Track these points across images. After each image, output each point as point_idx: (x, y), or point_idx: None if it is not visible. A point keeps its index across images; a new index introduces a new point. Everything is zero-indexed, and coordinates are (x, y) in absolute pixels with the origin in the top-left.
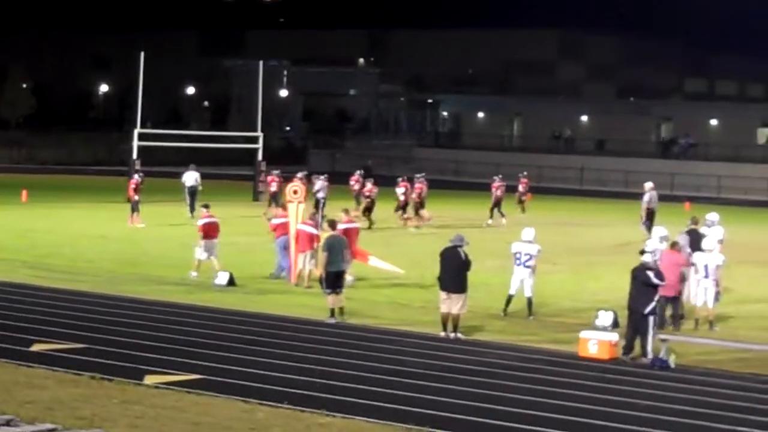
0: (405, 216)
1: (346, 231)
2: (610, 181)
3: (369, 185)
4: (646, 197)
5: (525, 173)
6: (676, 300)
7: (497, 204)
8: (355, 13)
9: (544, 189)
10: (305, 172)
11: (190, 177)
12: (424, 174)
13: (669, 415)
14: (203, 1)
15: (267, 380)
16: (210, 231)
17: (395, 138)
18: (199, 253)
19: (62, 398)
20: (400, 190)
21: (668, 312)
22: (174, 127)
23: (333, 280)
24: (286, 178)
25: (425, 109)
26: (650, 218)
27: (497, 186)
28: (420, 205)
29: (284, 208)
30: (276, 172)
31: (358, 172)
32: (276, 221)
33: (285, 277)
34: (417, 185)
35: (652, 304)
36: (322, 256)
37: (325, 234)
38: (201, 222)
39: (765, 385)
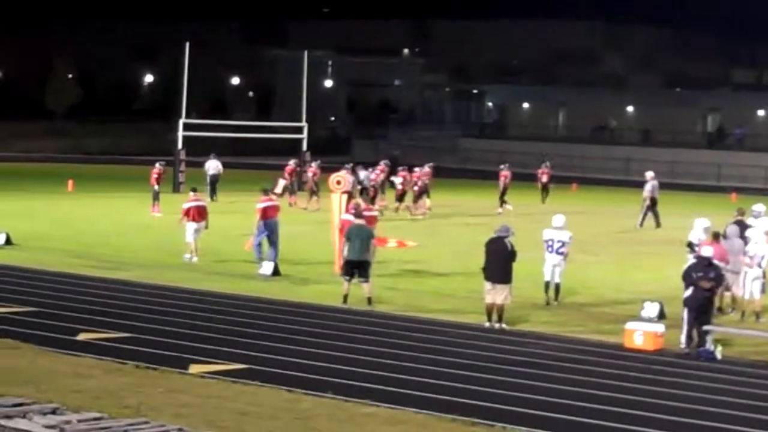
0: (403, 205)
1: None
2: (656, 172)
3: (402, 173)
4: (648, 186)
5: (548, 163)
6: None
7: (504, 192)
8: (399, 3)
9: (588, 179)
10: (350, 165)
11: (212, 165)
12: (432, 163)
13: (714, 407)
14: None
15: (311, 370)
16: (195, 214)
17: (440, 128)
18: (188, 236)
19: (108, 387)
20: (398, 180)
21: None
22: (218, 118)
23: (349, 269)
24: (327, 169)
25: (470, 99)
26: (653, 206)
27: (505, 174)
28: (419, 194)
29: (266, 192)
30: (315, 162)
31: (383, 161)
32: (261, 205)
33: (258, 259)
34: (416, 173)
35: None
36: (343, 244)
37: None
38: (187, 205)
39: None
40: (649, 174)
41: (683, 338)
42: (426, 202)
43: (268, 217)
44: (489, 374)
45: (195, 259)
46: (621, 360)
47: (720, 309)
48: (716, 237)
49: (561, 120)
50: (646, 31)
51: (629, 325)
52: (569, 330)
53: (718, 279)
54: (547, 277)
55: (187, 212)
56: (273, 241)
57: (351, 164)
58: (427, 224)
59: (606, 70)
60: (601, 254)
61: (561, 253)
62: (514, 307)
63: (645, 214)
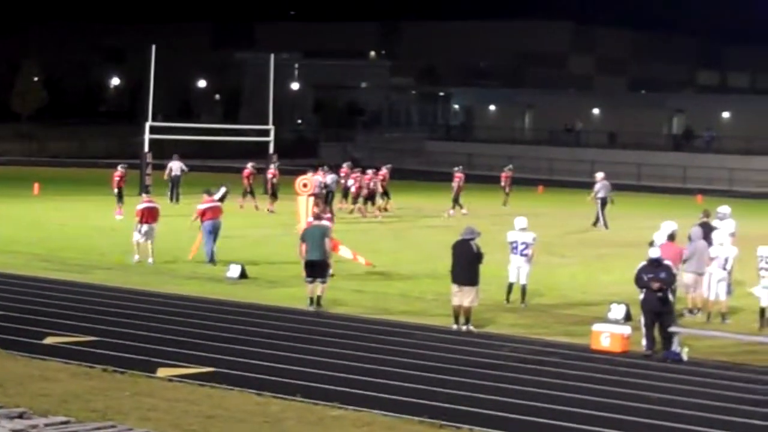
0: (356, 207)
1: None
2: (622, 174)
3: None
4: (596, 186)
5: (510, 166)
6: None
7: (458, 194)
8: (366, 5)
9: (555, 182)
10: (322, 167)
11: (175, 166)
12: (389, 165)
13: (681, 408)
14: None
15: (279, 373)
16: (148, 216)
17: (406, 131)
18: (137, 237)
19: (75, 391)
20: (350, 182)
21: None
22: (185, 120)
23: (309, 269)
24: (291, 171)
25: (437, 101)
26: (602, 208)
27: (459, 176)
28: (368, 197)
29: (209, 193)
30: (274, 164)
31: (345, 164)
32: (202, 206)
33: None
34: (367, 176)
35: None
36: (300, 246)
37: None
38: (140, 206)
39: None
40: (599, 175)
41: (644, 341)
42: (379, 203)
43: (207, 218)
44: (456, 377)
45: (150, 260)
46: (588, 362)
47: (690, 310)
48: (671, 238)
49: (527, 122)
50: (612, 33)
51: (596, 327)
52: (536, 332)
53: (669, 279)
54: (512, 279)
55: (140, 213)
56: (212, 241)
57: (320, 166)
58: (393, 227)
59: (572, 73)
60: (567, 256)
61: (525, 255)
62: (481, 309)
63: (599, 214)
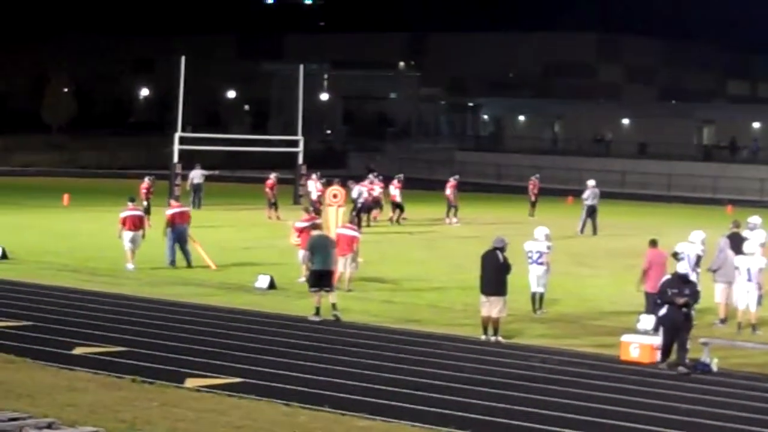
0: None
1: (303, 230)
2: (652, 185)
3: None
4: (585, 193)
5: (537, 175)
6: None
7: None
8: (395, 16)
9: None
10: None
11: (196, 175)
12: (401, 175)
13: (710, 419)
14: (244, 5)
15: (308, 383)
16: (133, 223)
17: (435, 141)
18: (126, 245)
19: (103, 401)
20: (355, 193)
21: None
22: (214, 131)
23: (316, 279)
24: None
25: (466, 112)
26: (591, 214)
27: (452, 185)
28: (367, 207)
29: (177, 199)
30: (273, 174)
31: (370, 175)
32: (171, 211)
33: (171, 263)
34: (377, 184)
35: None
36: (306, 255)
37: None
38: (123, 214)
39: None
40: (590, 182)
41: (659, 355)
42: (383, 214)
43: (176, 223)
44: (484, 387)
45: (131, 266)
46: (617, 372)
47: (721, 320)
48: (653, 243)
49: (557, 132)
50: (641, 43)
51: (625, 338)
52: (565, 343)
53: (694, 295)
54: (533, 288)
55: (123, 221)
56: (183, 249)
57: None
58: (423, 237)
59: (601, 83)
60: (597, 267)
61: (541, 264)
62: (510, 320)
63: (585, 221)
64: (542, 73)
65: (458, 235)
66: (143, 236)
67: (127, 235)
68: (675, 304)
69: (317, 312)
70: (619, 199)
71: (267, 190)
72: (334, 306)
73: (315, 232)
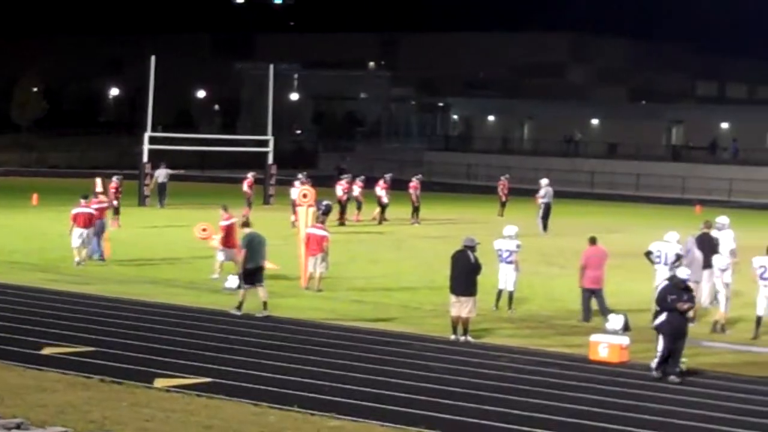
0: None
1: (225, 228)
2: (621, 185)
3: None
4: (540, 192)
5: (507, 175)
6: (599, 293)
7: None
8: (366, 16)
9: (554, 192)
10: (304, 174)
11: (162, 173)
12: (363, 176)
13: (680, 419)
14: (214, 4)
15: (277, 383)
16: (83, 220)
17: (405, 141)
18: (74, 242)
19: (73, 401)
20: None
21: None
22: (184, 131)
23: (251, 275)
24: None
25: (436, 112)
26: (546, 213)
27: (414, 186)
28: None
29: (85, 198)
30: (251, 174)
31: (346, 175)
32: (76, 210)
33: (96, 259)
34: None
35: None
36: (240, 252)
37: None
38: (74, 211)
39: None
40: (544, 181)
41: (656, 363)
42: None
43: (78, 224)
44: (454, 387)
45: (82, 264)
46: (586, 372)
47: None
48: (593, 241)
49: (526, 133)
50: (611, 44)
51: (594, 338)
52: (534, 342)
53: (692, 300)
54: (500, 285)
55: (74, 218)
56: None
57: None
58: (393, 237)
59: (571, 83)
60: (566, 267)
61: (510, 262)
62: (480, 319)
63: (545, 220)
64: (512, 74)
65: (427, 235)
66: (102, 234)
67: (77, 232)
68: (678, 310)
69: (239, 307)
70: (588, 199)
71: (246, 189)
72: (264, 304)
73: (247, 230)
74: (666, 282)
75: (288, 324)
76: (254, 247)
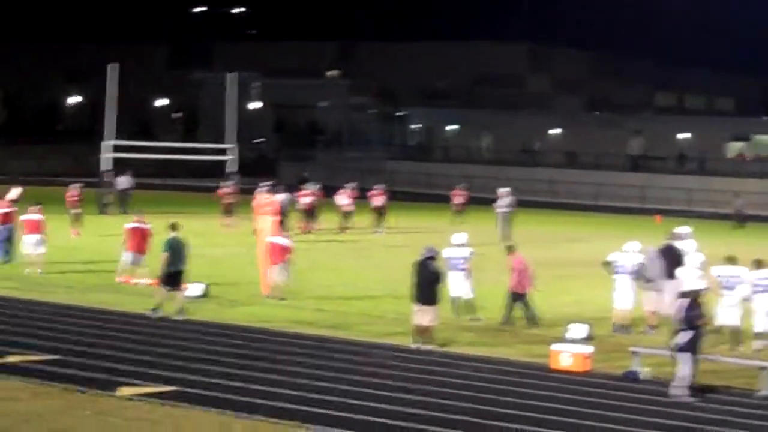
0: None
1: (134, 230)
2: (580, 194)
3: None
4: (501, 201)
5: (463, 184)
6: (524, 297)
7: (380, 212)
8: (324, 25)
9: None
10: (269, 184)
11: (124, 181)
12: (319, 184)
13: (640, 427)
14: (173, 14)
15: (242, 392)
16: (31, 227)
17: (366, 150)
18: (26, 249)
19: (36, 410)
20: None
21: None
22: (144, 139)
23: (172, 279)
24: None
25: (395, 121)
26: (506, 223)
27: (377, 194)
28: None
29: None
30: (228, 183)
31: (308, 184)
32: (24, 217)
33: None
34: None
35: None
36: (162, 256)
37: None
38: (23, 218)
39: (733, 397)
40: (505, 190)
41: (683, 388)
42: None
43: (27, 230)
44: (416, 396)
45: (39, 271)
46: (548, 381)
47: (651, 327)
48: (510, 249)
49: (486, 142)
50: (570, 54)
51: (555, 347)
52: (497, 351)
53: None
54: (453, 293)
55: (23, 225)
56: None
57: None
58: (354, 246)
59: (531, 93)
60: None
61: (463, 270)
62: (442, 328)
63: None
64: (471, 84)
65: (388, 244)
66: (44, 241)
67: (29, 238)
68: (701, 325)
69: (157, 309)
70: (547, 209)
71: (221, 198)
72: (181, 308)
73: (172, 234)
74: (683, 299)
75: (251, 332)
76: (174, 251)
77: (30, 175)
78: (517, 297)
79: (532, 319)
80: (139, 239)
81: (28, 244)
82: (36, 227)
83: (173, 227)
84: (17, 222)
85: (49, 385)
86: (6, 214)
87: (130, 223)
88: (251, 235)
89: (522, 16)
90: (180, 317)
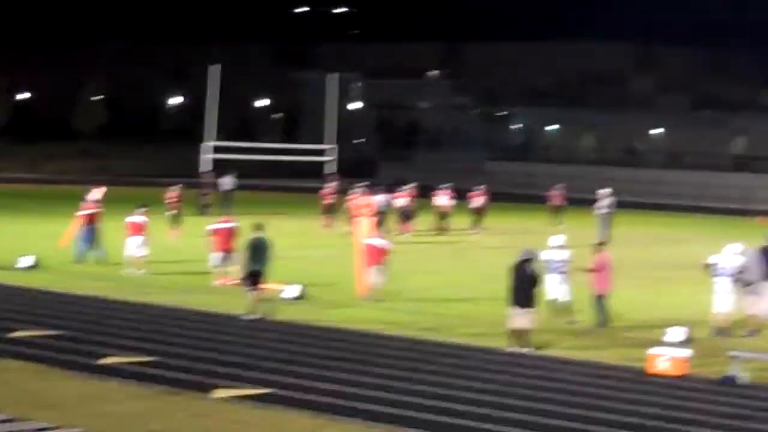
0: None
1: (219, 230)
2: (683, 195)
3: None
4: (602, 202)
5: (560, 185)
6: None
7: (479, 213)
8: (428, 25)
9: (617, 203)
10: (364, 185)
11: (227, 182)
12: (413, 184)
13: None
14: (275, 14)
15: (337, 395)
16: (133, 229)
17: (467, 150)
18: (132, 251)
19: (132, 411)
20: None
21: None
22: (244, 140)
23: (252, 278)
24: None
25: (497, 121)
26: (607, 224)
27: (477, 195)
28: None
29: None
30: (329, 184)
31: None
32: (82, 212)
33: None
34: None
35: None
36: (243, 255)
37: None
38: (126, 219)
39: None
40: (606, 191)
41: None
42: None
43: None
44: (513, 400)
45: (141, 271)
46: (644, 385)
47: (755, 331)
48: (598, 248)
49: (588, 142)
50: (674, 52)
51: (653, 350)
52: (593, 355)
53: None
54: (551, 296)
55: (127, 226)
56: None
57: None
58: (452, 248)
59: (634, 92)
60: (624, 278)
61: (562, 273)
62: (540, 331)
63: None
64: (575, 83)
65: (488, 245)
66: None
67: (133, 240)
68: None
69: (252, 310)
70: (649, 210)
71: (324, 198)
72: (262, 307)
73: (255, 234)
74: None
75: (347, 334)
76: (255, 250)
77: (132, 176)
78: (598, 297)
79: (602, 323)
80: (226, 238)
81: (130, 246)
82: (139, 229)
83: (257, 227)
84: (101, 221)
85: (145, 387)
86: (91, 214)
87: (215, 224)
88: (347, 236)
89: (626, 15)
90: (253, 317)
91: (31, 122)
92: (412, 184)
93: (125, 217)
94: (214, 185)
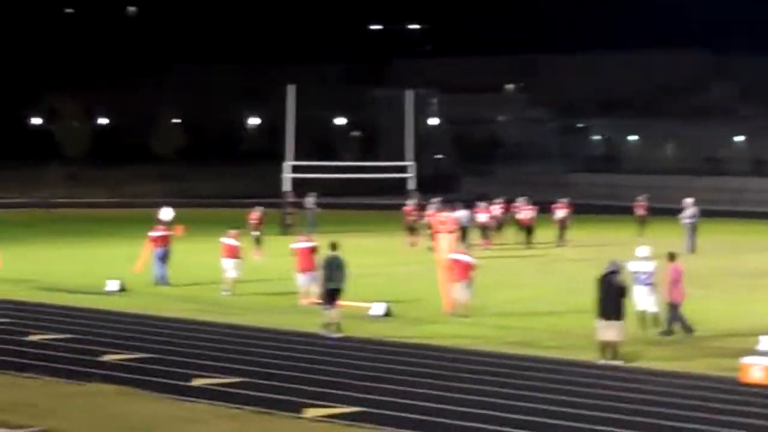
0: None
1: (302, 250)
2: (767, 203)
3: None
4: (687, 212)
5: (643, 195)
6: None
7: (563, 225)
8: (501, 38)
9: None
10: (439, 200)
11: (311, 201)
12: (501, 198)
13: None
14: (349, 32)
15: (428, 412)
16: (230, 252)
17: (546, 163)
18: (229, 272)
19: None
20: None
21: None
22: (324, 158)
23: (329, 297)
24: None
25: (575, 133)
26: (692, 233)
27: (560, 207)
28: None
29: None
30: (412, 201)
31: (500, 198)
32: (154, 234)
33: (160, 283)
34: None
35: None
36: (319, 273)
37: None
38: (221, 239)
39: None
40: (689, 200)
41: None
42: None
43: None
44: (603, 412)
45: (227, 292)
46: (738, 395)
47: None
48: (671, 257)
49: (669, 152)
50: (753, 60)
51: (746, 360)
52: (683, 365)
53: None
54: (639, 307)
55: (222, 248)
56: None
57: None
58: (536, 261)
59: (714, 101)
60: (709, 287)
61: (649, 284)
62: (629, 342)
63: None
64: (653, 93)
65: (573, 258)
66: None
67: (228, 262)
68: None
69: (326, 327)
70: (732, 218)
71: (406, 216)
72: (338, 325)
73: (331, 252)
74: None
75: (435, 351)
76: (331, 268)
77: (214, 197)
78: (672, 306)
79: (667, 332)
80: (307, 258)
81: (226, 267)
82: (233, 252)
83: (333, 246)
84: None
85: (234, 408)
86: (162, 236)
87: (296, 243)
88: (430, 252)
89: (703, 23)
90: (328, 333)
91: (111, 147)
92: (500, 199)
93: (208, 238)
94: (297, 204)
